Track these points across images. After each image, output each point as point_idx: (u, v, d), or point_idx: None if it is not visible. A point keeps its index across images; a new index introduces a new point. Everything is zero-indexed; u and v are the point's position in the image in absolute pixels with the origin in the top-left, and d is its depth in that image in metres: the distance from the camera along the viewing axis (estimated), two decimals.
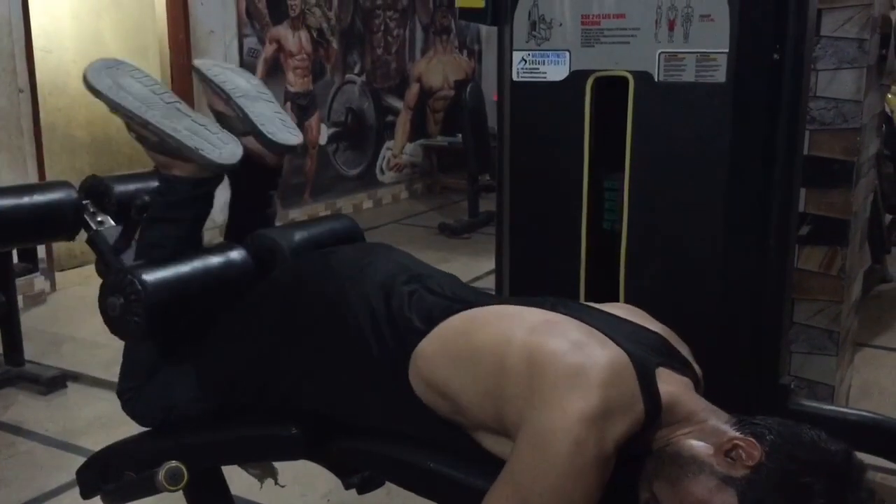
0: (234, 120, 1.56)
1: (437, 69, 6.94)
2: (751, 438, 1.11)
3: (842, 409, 1.87)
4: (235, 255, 1.52)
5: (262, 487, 1.71)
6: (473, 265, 4.37)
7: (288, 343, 1.40)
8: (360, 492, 1.36)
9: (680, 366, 1.25)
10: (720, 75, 1.52)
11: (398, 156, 6.63)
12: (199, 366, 1.47)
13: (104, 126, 4.98)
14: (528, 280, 1.77)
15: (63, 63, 4.96)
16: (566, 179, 1.68)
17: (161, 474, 1.21)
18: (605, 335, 1.19)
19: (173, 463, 1.22)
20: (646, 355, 1.19)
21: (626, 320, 1.30)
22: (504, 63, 1.73)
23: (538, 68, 1.69)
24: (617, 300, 1.66)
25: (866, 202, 2.26)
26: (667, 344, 1.28)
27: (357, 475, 1.35)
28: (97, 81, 1.47)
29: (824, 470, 1.08)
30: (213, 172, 1.49)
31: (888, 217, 4.68)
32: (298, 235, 1.60)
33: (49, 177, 4.31)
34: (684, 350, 1.32)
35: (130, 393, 1.51)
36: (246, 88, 1.58)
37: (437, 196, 6.76)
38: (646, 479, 1.15)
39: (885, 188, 4.40)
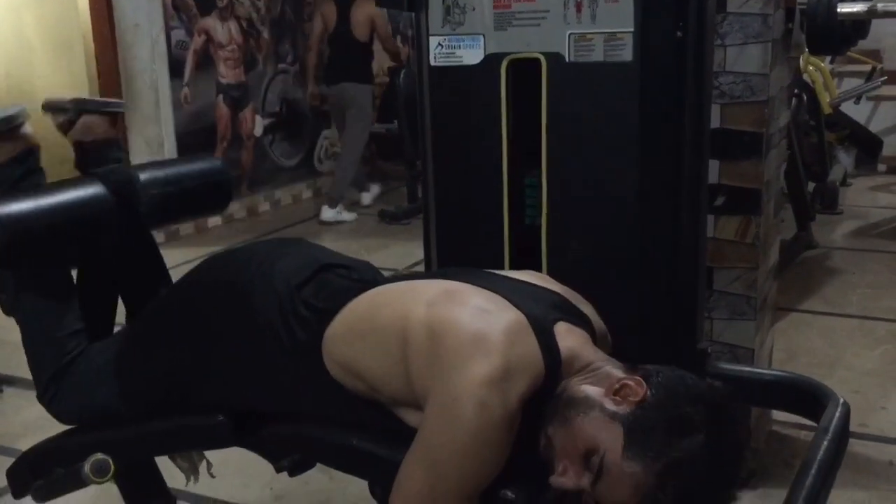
0: None
1: None
2: (638, 377, 1.18)
3: (757, 370, 1.96)
4: (91, 188, 1.53)
5: (188, 482, 1.70)
6: (413, 250, 4.39)
7: (205, 344, 1.41)
8: (291, 474, 1.38)
9: (578, 321, 1.31)
10: (627, 54, 1.57)
11: (336, 144, 6.60)
12: (118, 370, 1.48)
13: None
14: (457, 263, 1.80)
15: None
16: (486, 161, 1.71)
17: (87, 467, 1.22)
18: (504, 298, 1.24)
19: (99, 455, 1.23)
20: (543, 313, 1.24)
21: (525, 282, 1.36)
22: (422, 48, 1.75)
23: (454, 52, 1.71)
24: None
25: (778, 172, 2.34)
26: (565, 301, 1.34)
27: (287, 458, 1.38)
28: None
29: (703, 403, 1.15)
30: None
31: (811, 185, 4.82)
32: (157, 170, 1.64)
33: None
34: (586, 308, 1.38)
35: (51, 392, 1.50)
36: None
37: (377, 183, 6.76)
38: (542, 425, 1.20)
39: (807, 157, 4.54)
